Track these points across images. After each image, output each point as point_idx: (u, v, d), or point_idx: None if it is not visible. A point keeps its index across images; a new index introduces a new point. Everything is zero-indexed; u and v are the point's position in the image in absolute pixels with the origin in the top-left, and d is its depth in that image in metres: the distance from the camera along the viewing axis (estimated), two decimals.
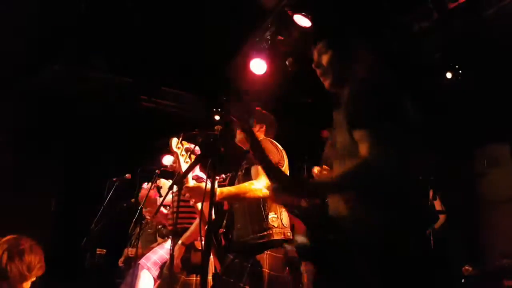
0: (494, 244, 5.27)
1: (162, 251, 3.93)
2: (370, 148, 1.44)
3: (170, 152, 2.82)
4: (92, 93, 5.65)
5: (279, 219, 2.67)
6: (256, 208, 2.69)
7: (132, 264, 4.62)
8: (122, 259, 4.78)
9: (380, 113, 1.49)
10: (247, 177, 2.72)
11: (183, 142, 2.75)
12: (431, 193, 5.04)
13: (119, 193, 4.32)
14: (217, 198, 2.46)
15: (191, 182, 2.71)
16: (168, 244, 3.90)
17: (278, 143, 2.92)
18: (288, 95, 5.59)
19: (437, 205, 4.98)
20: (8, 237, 2.29)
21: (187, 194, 2.55)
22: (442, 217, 4.91)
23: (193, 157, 2.74)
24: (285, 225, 2.69)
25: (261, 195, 2.55)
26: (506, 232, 5.22)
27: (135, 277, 3.72)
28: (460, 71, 5.15)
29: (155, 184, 3.85)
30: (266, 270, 2.54)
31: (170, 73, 5.60)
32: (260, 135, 2.96)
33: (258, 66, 4.77)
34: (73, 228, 4.85)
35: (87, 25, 4.70)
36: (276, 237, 2.61)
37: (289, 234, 2.68)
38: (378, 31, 4.41)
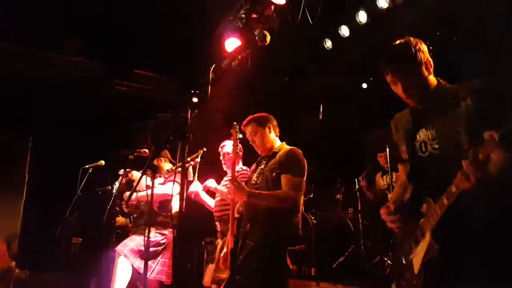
0: None
1: (139, 238, 3.85)
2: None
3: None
4: (63, 77, 5.45)
5: None
6: None
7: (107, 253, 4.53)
8: None
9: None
10: (277, 184, 2.78)
11: None
12: None
13: (93, 180, 4.20)
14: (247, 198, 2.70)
15: None
16: (152, 234, 3.81)
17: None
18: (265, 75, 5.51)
19: None
20: None
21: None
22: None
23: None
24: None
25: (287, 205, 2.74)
26: None
27: (111, 264, 3.63)
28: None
29: (126, 178, 3.74)
30: None
31: (144, 55, 5.44)
32: (276, 136, 3.05)
33: (233, 45, 4.66)
34: (46, 217, 4.72)
35: (57, 6, 4.50)
36: None
37: None
38: None
